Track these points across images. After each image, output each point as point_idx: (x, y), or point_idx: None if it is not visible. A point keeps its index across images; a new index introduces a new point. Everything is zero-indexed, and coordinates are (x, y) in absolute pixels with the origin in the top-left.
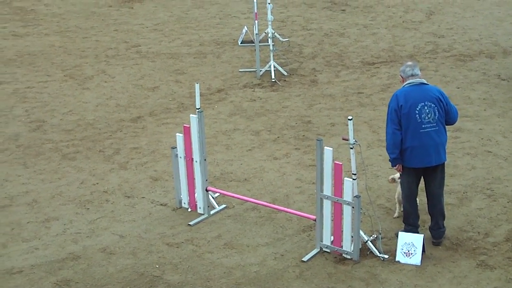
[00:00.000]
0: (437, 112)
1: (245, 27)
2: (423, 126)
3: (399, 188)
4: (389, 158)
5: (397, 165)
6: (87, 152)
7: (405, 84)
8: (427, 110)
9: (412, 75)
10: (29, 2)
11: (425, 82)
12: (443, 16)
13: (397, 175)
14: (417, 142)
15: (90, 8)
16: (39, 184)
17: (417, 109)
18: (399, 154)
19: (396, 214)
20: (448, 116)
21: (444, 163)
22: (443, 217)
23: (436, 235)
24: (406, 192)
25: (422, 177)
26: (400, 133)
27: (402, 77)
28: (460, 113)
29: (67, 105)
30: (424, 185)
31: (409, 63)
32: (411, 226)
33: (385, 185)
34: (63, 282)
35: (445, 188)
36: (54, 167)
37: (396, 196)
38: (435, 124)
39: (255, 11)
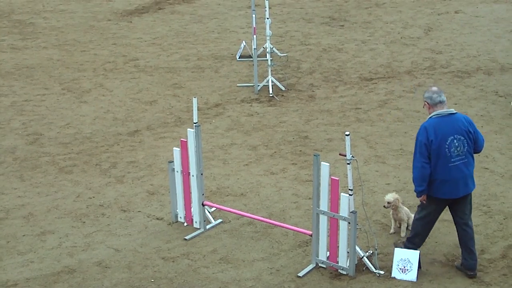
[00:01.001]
0: (466, 145)
1: (244, 41)
2: (452, 160)
3: (404, 209)
4: (414, 189)
5: (422, 196)
6: (84, 165)
7: (433, 115)
8: (457, 144)
9: (440, 102)
10: (28, 15)
11: (454, 111)
12: (441, 32)
13: (391, 198)
14: (446, 176)
15: (88, 21)
16: (35, 197)
17: (447, 143)
18: (426, 186)
19: (392, 230)
20: (476, 144)
21: (471, 192)
22: (474, 243)
23: (473, 266)
24: (427, 218)
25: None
26: (429, 166)
27: (428, 104)
28: None
29: (64, 118)
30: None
31: (434, 88)
32: (414, 245)
33: (381, 201)
34: None
35: None
36: (50, 180)
37: (391, 214)
38: (464, 157)
39: (254, 25)
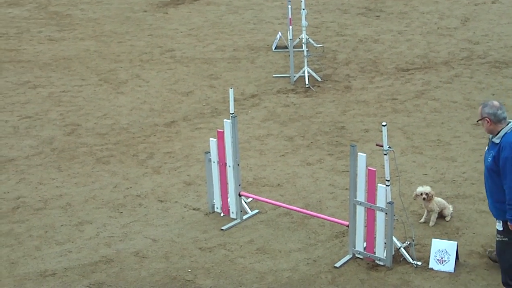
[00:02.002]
0: None
1: (280, 32)
2: None
3: (437, 200)
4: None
5: None
6: (121, 156)
7: (508, 130)
8: None
9: (504, 118)
10: (65, 7)
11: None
12: (478, 22)
13: (424, 190)
14: None
15: (125, 13)
16: (73, 187)
17: None
18: None
19: (422, 220)
20: None
21: None
22: None
23: None
24: None
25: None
26: None
27: (490, 120)
28: None
29: (101, 109)
30: None
31: (496, 103)
32: None
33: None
34: (96, 285)
35: (479, 195)
36: (88, 171)
37: (423, 203)
38: None
39: (289, 16)
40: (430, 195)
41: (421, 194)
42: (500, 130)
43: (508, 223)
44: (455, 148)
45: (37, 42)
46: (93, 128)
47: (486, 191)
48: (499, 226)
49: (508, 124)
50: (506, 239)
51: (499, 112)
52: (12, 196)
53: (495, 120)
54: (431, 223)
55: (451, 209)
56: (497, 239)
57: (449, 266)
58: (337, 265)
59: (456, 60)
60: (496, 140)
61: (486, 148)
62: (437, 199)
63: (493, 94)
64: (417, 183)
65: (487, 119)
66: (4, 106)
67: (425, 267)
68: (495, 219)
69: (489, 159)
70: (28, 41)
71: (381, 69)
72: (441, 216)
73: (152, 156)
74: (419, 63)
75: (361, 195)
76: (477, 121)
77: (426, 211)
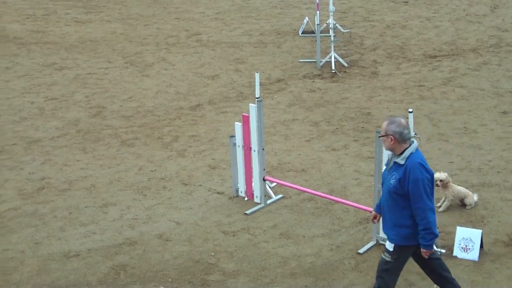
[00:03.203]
0: None
1: (307, 17)
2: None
3: (455, 188)
4: (430, 240)
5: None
6: (146, 139)
7: (413, 151)
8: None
9: (409, 138)
10: None
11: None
12: (507, 10)
13: (440, 176)
14: None
15: None
16: (97, 169)
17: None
18: None
19: (439, 204)
20: None
21: None
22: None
23: None
24: (396, 275)
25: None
26: None
27: (395, 139)
28: None
29: (127, 91)
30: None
31: (403, 121)
32: None
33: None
34: (119, 266)
35: (505, 184)
36: (112, 153)
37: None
38: None
39: (317, 1)
40: (445, 182)
41: (436, 180)
42: (404, 150)
43: (422, 250)
44: (481, 136)
45: (64, 24)
46: (118, 111)
47: (383, 213)
48: (389, 246)
49: (411, 144)
50: (391, 260)
51: (406, 132)
52: (37, 177)
53: (400, 139)
54: (440, 209)
55: (475, 198)
56: (383, 256)
57: (473, 255)
58: (361, 251)
59: (485, 47)
60: (401, 161)
61: (385, 168)
62: (458, 188)
63: None
64: (443, 171)
65: (392, 137)
66: (30, 87)
67: (449, 255)
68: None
69: (392, 181)
70: (55, 22)
71: (408, 55)
72: (463, 204)
73: (177, 139)
74: (447, 50)
75: None
76: (379, 136)
77: (444, 197)
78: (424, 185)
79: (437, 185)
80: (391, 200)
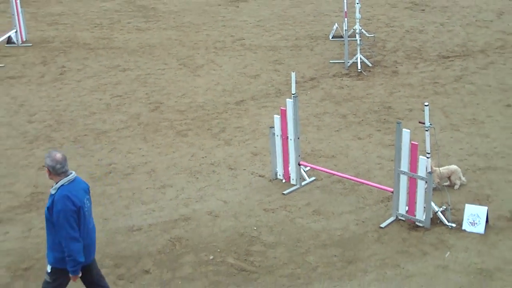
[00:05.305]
0: (90, 203)
1: (336, 24)
2: (90, 221)
3: (438, 172)
4: (74, 265)
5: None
6: (197, 130)
7: (65, 183)
8: (88, 204)
9: (64, 172)
10: (150, 1)
11: (74, 174)
12: None
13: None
14: (88, 239)
15: (202, 6)
16: (156, 156)
17: (85, 205)
18: None
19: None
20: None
21: None
22: None
23: None
24: None
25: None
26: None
27: (49, 171)
28: None
29: (181, 89)
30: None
31: (58, 156)
32: None
33: (454, 163)
34: (176, 239)
35: (508, 167)
36: (169, 142)
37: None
38: (91, 216)
39: (345, 10)
40: (432, 170)
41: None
42: (58, 182)
43: (70, 275)
44: (488, 126)
45: (126, 31)
46: (173, 106)
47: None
48: (48, 268)
49: (67, 176)
50: (50, 281)
51: (58, 166)
52: (105, 163)
53: (54, 172)
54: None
55: (461, 177)
56: (45, 277)
57: (480, 228)
58: (382, 225)
59: (492, 49)
60: (52, 191)
61: None
62: (440, 171)
63: None
64: (454, 156)
65: (47, 169)
66: (98, 86)
67: (458, 229)
68: None
69: (45, 208)
70: (118, 30)
71: (424, 56)
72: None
73: (224, 130)
74: (459, 51)
75: (404, 166)
76: (43, 166)
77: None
78: (67, 216)
79: (430, 172)
80: (47, 224)
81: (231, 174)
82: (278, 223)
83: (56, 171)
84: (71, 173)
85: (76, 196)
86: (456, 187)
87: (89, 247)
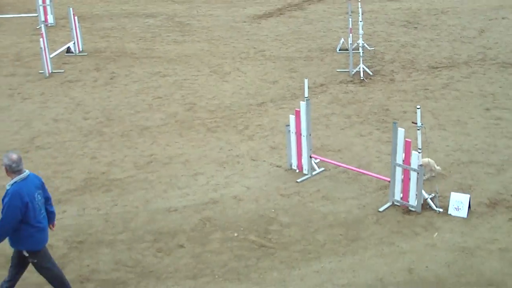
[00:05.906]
0: (42, 197)
1: (342, 38)
2: (41, 211)
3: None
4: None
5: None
6: (225, 127)
7: (18, 180)
8: (39, 197)
9: (19, 171)
10: (187, 18)
11: (28, 173)
12: (491, 33)
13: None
14: (42, 224)
15: (229, 23)
16: (190, 148)
17: (36, 198)
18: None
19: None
20: (46, 193)
21: None
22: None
23: None
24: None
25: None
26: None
27: (7, 170)
28: (500, 107)
29: (211, 92)
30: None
31: (14, 157)
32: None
33: (441, 157)
34: (206, 219)
35: (487, 161)
36: (201, 137)
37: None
38: (42, 208)
39: (350, 27)
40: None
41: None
42: (13, 179)
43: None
44: (470, 126)
45: (166, 43)
46: (205, 106)
47: None
48: (25, 253)
49: (21, 174)
50: (35, 261)
51: (14, 165)
52: (147, 154)
53: (10, 170)
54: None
55: (434, 168)
56: (33, 265)
57: (463, 213)
58: (381, 209)
59: (474, 61)
60: (8, 186)
61: None
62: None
63: (500, 87)
64: (441, 152)
65: (5, 167)
66: (142, 89)
67: (445, 213)
68: (495, 178)
69: (1, 199)
70: (159, 42)
71: (417, 67)
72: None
73: (247, 127)
74: (446, 62)
75: (399, 159)
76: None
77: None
78: (10, 209)
79: (421, 165)
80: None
81: (253, 165)
82: (293, 206)
83: (12, 169)
84: (25, 171)
85: (26, 192)
86: (426, 176)
87: (43, 231)
